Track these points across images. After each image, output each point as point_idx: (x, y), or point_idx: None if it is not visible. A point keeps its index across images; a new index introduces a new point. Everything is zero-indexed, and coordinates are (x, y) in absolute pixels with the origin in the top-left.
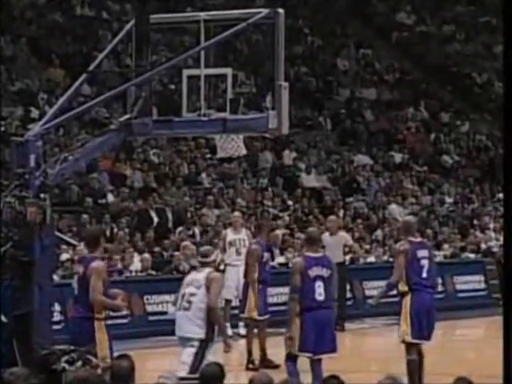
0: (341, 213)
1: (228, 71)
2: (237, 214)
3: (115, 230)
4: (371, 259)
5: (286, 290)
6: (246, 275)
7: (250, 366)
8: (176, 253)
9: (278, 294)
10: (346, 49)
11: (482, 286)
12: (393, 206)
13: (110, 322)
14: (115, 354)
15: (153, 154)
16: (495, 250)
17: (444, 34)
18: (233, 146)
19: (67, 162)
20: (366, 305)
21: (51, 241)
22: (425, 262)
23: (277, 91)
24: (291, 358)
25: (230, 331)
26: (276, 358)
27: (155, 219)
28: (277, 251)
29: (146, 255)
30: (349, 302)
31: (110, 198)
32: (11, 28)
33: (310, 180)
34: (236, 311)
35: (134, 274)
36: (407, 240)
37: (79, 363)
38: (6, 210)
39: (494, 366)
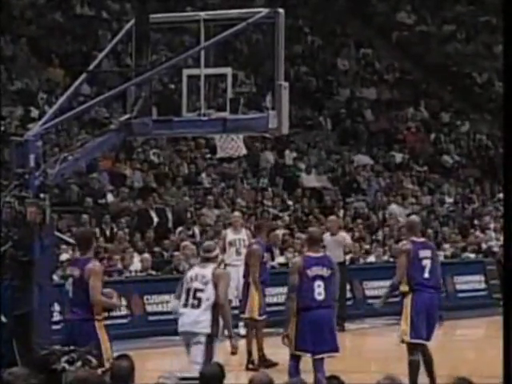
0: (341, 213)
1: (228, 71)
2: (237, 214)
3: (115, 230)
4: (371, 259)
5: (286, 290)
6: (245, 275)
7: (250, 366)
8: (176, 253)
9: (278, 294)
10: (346, 48)
11: (483, 286)
12: (393, 206)
13: (109, 321)
14: (115, 354)
15: (153, 154)
16: (495, 250)
17: (444, 33)
18: (233, 145)
19: (67, 162)
20: (369, 306)
21: (51, 241)
22: (427, 262)
23: (277, 91)
24: (294, 358)
25: None
26: (275, 358)
27: (155, 219)
28: (277, 251)
29: (146, 255)
30: (349, 302)
31: (110, 198)
32: (11, 28)
33: (310, 180)
34: (236, 311)
35: (133, 274)
36: (410, 240)
37: (79, 363)
38: (5, 210)
39: (494, 365)
